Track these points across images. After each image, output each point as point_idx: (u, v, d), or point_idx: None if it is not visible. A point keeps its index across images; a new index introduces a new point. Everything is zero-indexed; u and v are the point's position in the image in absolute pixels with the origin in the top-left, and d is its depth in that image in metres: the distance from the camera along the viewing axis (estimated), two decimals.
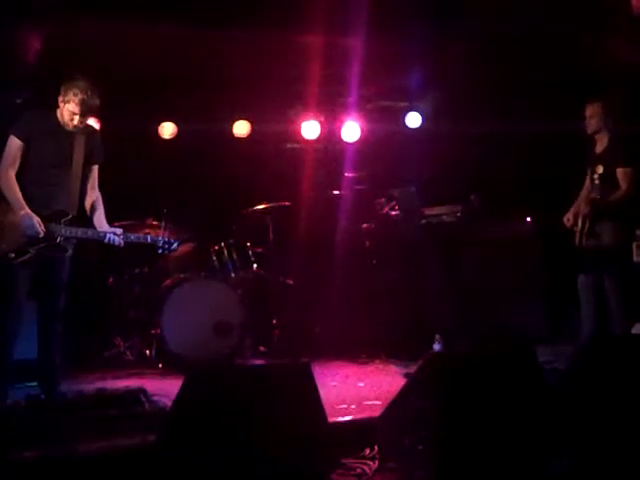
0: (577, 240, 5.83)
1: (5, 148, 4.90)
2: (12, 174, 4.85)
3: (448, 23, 6.47)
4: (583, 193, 6.03)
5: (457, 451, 3.91)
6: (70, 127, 4.96)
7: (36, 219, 4.77)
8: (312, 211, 7.74)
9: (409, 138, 8.17)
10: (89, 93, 4.86)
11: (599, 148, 5.93)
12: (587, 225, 5.75)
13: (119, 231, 5.08)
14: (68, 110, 4.89)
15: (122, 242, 5.07)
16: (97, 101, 4.93)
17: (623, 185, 5.67)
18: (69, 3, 5.79)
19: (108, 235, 5.01)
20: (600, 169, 5.80)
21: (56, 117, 4.99)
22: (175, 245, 5.37)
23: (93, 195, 5.17)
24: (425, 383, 4.10)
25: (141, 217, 6.81)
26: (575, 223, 5.85)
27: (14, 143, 4.88)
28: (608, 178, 5.74)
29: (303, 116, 8.02)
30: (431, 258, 6.80)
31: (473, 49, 6.90)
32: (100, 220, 5.12)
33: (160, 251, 5.42)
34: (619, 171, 5.71)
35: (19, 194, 4.82)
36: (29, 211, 4.77)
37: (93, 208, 5.15)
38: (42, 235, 4.78)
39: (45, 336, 5.02)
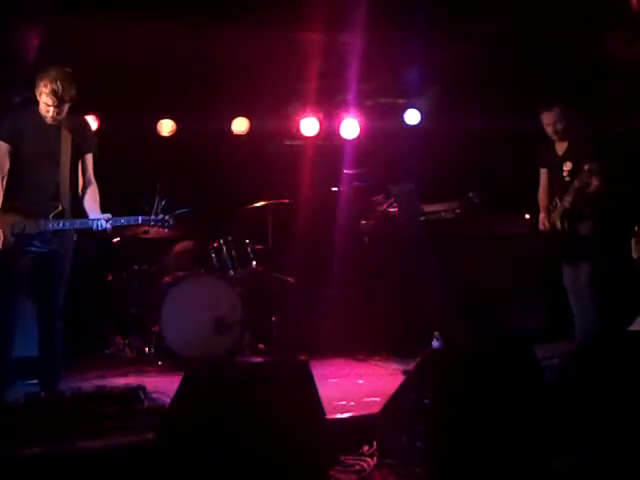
0: (557, 238, 5.91)
1: None
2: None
3: (447, 20, 6.46)
4: (543, 196, 6.11)
5: (455, 448, 3.92)
6: (49, 120, 4.89)
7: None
8: (311, 208, 7.74)
9: (408, 135, 8.16)
10: (59, 83, 4.74)
11: (561, 149, 6.03)
12: (566, 222, 5.83)
13: (107, 216, 4.96)
14: (43, 102, 4.82)
15: (110, 227, 4.96)
16: (72, 90, 4.81)
17: (594, 181, 5.75)
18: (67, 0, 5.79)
19: (95, 222, 4.93)
20: (569, 166, 5.89)
21: (38, 112, 4.91)
22: (171, 221, 5.19)
23: (84, 181, 5.11)
24: (423, 380, 4.11)
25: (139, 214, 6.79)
26: (553, 225, 5.92)
27: (0, 147, 4.86)
28: (575, 174, 5.82)
29: (302, 113, 8.00)
30: (430, 255, 6.80)
31: (472, 46, 6.89)
32: (90, 204, 5.05)
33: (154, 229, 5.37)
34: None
35: None
36: None
37: (84, 193, 5.09)
38: None
39: (46, 334, 5.01)
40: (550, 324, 6.80)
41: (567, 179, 5.89)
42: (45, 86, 4.76)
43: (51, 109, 4.83)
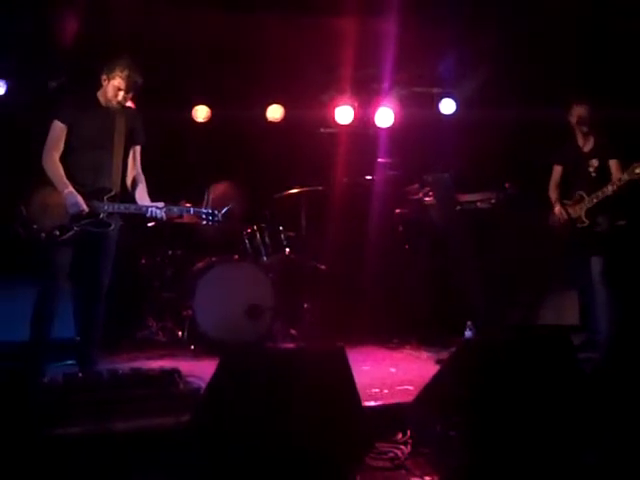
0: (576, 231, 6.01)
1: (49, 132, 5.00)
2: (56, 157, 4.96)
3: (484, 8, 6.42)
4: (555, 190, 6.25)
5: (489, 438, 3.91)
6: (114, 103, 5.03)
7: (79, 197, 4.87)
8: (345, 196, 7.70)
9: (443, 124, 8.11)
10: (134, 69, 4.98)
11: (585, 145, 6.10)
12: (591, 216, 5.93)
13: (161, 204, 5.11)
14: (113, 86, 4.99)
15: (164, 215, 5.11)
16: (140, 78, 5.03)
17: (618, 174, 5.82)
18: None
19: (150, 209, 5.06)
20: (595, 162, 5.99)
21: (97, 98, 5.08)
22: (219, 216, 5.36)
23: (134, 173, 5.25)
24: (459, 369, 4.10)
25: (175, 200, 6.82)
26: (576, 217, 6.01)
27: (57, 127, 4.99)
28: (601, 170, 5.93)
29: (337, 101, 7.97)
30: (464, 244, 6.77)
31: (507, 35, 6.83)
32: (142, 196, 5.17)
33: (204, 222, 5.46)
34: (614, 162, 5.89)
35: (62, 174, 4.93)
36: (72, 190, 4.88)
37: (134, 184, 5.22)
38: (85, 212, 4.87)
39: (86, 316, 5.11)
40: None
41: (593, 175, 5.96)
42: (122, 70, 4.96)
43: (120, 94, 5.01)
